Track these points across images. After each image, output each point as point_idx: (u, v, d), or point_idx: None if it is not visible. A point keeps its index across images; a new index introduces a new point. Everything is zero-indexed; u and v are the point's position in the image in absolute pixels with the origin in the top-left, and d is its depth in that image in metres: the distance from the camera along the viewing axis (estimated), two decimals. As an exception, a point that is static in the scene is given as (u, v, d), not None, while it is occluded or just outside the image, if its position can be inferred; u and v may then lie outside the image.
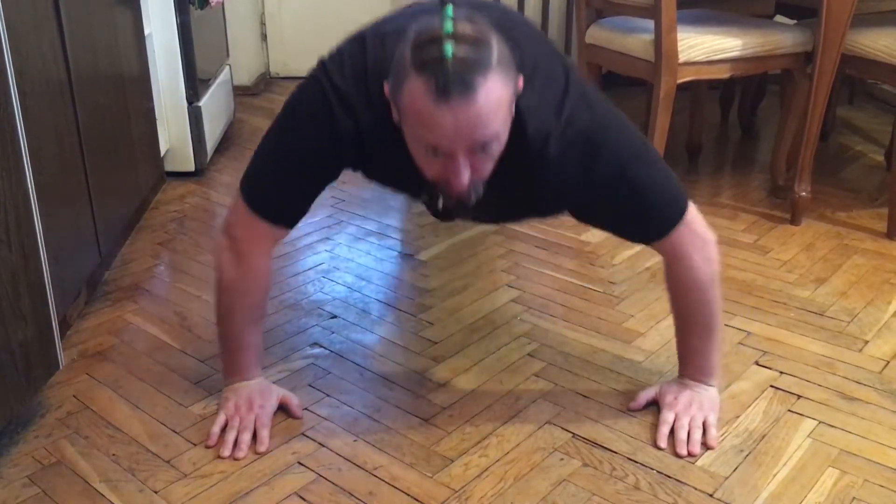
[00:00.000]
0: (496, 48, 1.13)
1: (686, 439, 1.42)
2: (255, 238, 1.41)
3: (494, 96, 1.12)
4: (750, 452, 1.41)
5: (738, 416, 1.50)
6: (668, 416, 1.46)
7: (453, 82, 1.08)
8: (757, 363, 1.67)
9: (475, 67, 1.09)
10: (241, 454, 1.40)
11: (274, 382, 1.56)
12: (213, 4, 2.68)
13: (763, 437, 1.45)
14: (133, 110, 2.21)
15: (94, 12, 1.92)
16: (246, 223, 1.40)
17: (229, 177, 2.68)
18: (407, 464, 1.39)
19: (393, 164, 1.32)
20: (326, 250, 2.17)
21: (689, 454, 1.40)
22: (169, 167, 2.63)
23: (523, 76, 1.21)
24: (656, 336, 1.76)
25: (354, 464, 1.39)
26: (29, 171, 1.41)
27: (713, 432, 1.44)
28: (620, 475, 1.36)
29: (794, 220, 2.31)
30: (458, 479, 1.36)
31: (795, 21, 2.65)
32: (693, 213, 1.39)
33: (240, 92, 3.50)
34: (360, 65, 1.28)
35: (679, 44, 2.20)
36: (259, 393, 1.49)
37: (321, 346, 1.74)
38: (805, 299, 1.91)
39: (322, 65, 1.31)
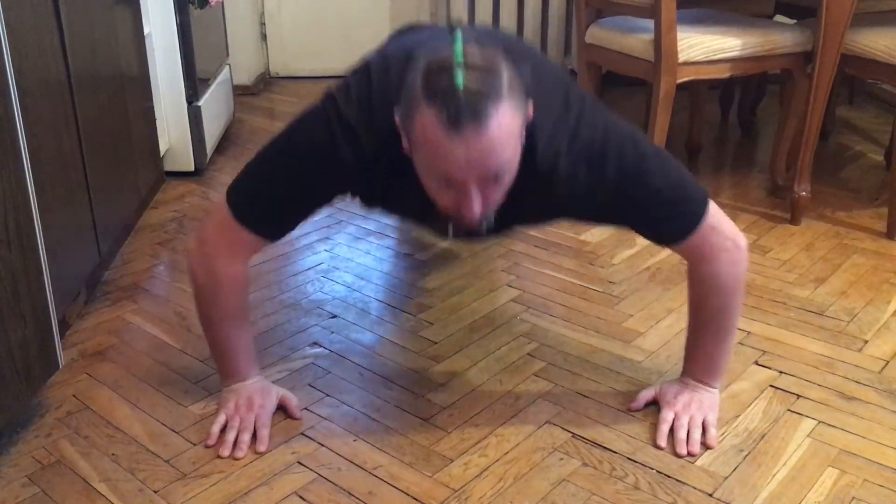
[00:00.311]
0: (506, 76, 1.12)
1: (686, 439, 1.42)
2: (232, 246, 1.39)
3: (506, 126, 1.11)
4: (749, 452, 1.41)
5: (737, 416, 1.50)
6: (667, 415, 1.46)
7: (465, 113, 1.08)
8: (756, 363, 1.67)
9: (487, 97, 1.09)
10: (240, 454, 1.40)
11: (274, 382, 1.56)
12: (212, 4, 2.68)
13: (763, 436, 1.45)
14: (133, 110, 2.21)
15: (94, 12, 1.92)
16: (227, 231, 1.38)
17: (229, 176, 2.67)
18: (406, 463, 1.39)
19: (399, 192, 1.32)
20: (326, 250, 2.17)
21: (689, 454, 1.40)
22: (168, 167, 2.63)
23: (533, 86, 1.20)
24: (656, 336, 1.76)
25: (354, 463, 1.39)
26: (28, 171, 1.41)
27: (713, 432, 1.44)
28: (620, 475, 1.36)
29: (793, 220, 2.31)
30: (457, 478, 1.36)
31: (795, 21, 2.65)
32: (716, 215, 1.36)
33: (239, 92, 3.50)
34: (366, 94, 1.27)
35: (679, 43, 2.20)
36: (258, 392, 1.49)
37: (321, 346, 1.74)
38: (805, 299, 1.91)
39: (329, 94, 1.31)
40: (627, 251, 2.15)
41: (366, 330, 1.80)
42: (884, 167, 2.72)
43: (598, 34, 2.50)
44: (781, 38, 2.28)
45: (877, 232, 2.25)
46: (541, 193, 1.29)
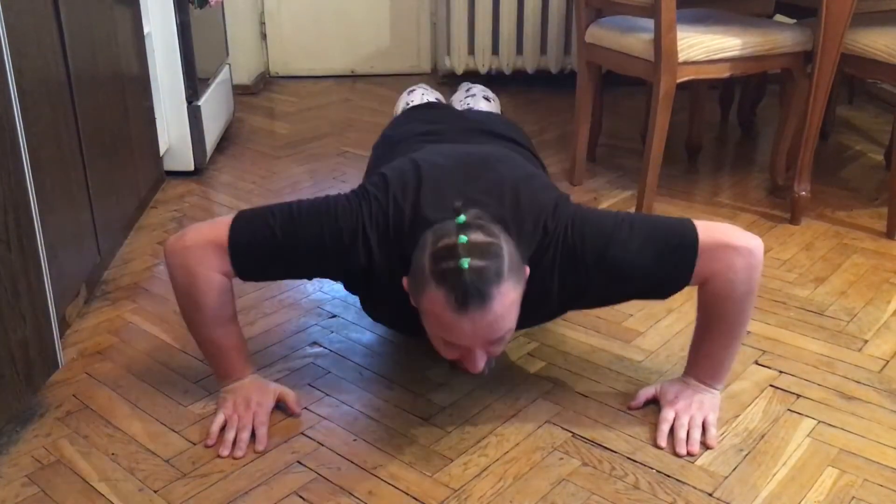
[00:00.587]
0: (506, 253, 1.24)
1: (685, 438, 1.42)
2: (212, 259, 1.39)
3: (507, 301, 1.23)
4: (749, 452, 1.41)
5: (737, 416, 1.50)
6: (668, 415, 1.46)
7: (471, 296, 1.19)
8: (756, 362, 1.67)
9: (490, 279, 1.20)
10: (240, 453, 1.40)
11: (273, 382, 1.55)
12: (212, 4, 2.68)
13: (762, 436, 1.45)
14: (132, 109, 2.21)
15: (94, 11, 1.92)
16: (215, 248, 1.39)
17: (229, 176, 2.68)
18: (406, 463, 1.39)
19: (395, 311, 1.44)
20: (326, 249, 2.17)
21: (689, 453, 1.40)
22: (168, 166, 2.63)
23: (528, 222, 1.34)
24: (656, 335, 1.76)
25: (354, 463, 1.39)
26: (28, 171, 1.41)
27: (713, 432, 1.44)
28: (620, 474, 1.36)
29: (793, 220, 2.31)
30: (457, 478, 1.36)
31: (795, 20, 2.65)
32: (710, 232, 1.38)
33: (239, 91, 3.50)
34: (385, 219, 1.37)
35: (679, 43, 2.20)
36: (256, 391, 1.49)
37: (321, 346, 1.74)
38: (804, 299, 1.91)
39: (359, 202, 1.38)
40: (627, 251, 2.15)
41: (366, 330, 1.80)
42: (883, 167, 2.72)
43: (597, 34, 2.50)
44: (781, 37, 2.28)
45: (877, 232, 2.25)
46: (538, 307, 1.40)
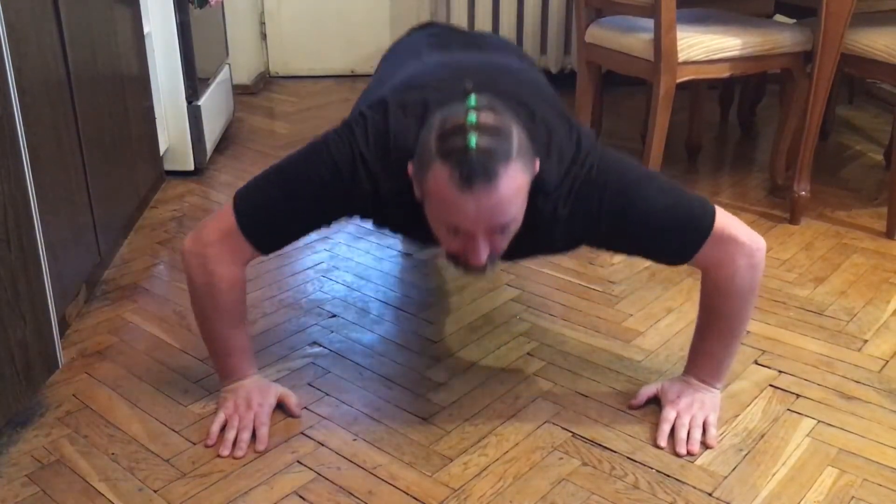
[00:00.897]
0: (516, 137, 1.20)
1: (685, 438, 1.42)
2: (232, 251, 1.40)
3: (514, 184, 1.19)
4: (749, 452, 1.41)
5: (737, 416, 1.50)
6: (669, 415, 1.46)
7: (477, 172, 1.15)
8: (756, 362, 1.67)
9: (497, 157, 1.16)
10: (240, 453, 1.40)
11: (273, 381, 1.56)
12: (212, 3, 2.68)
13: (762, 436, 1.45)
14: (132, 109, 2.21)
15: (94, 11, 1.92)
16: (228, 236, 1.39)
17: (228, 176, 2.68)
18: (406, 463, 1.39)
19: (408, 225, 1.40)
20: (326, 249, 2.17)
21: (689, 453, 1.40)
22: (168, 166, 2.63)
23: (538, 140, 1.28)
24: (655, 335, 1.76)
25: (354, 463, 1.39)
26: (28, 170, 1.41)
27: (713, 432, 1.44)
28: (620, 474, 1.36)
29: (793, 220, 2.31)
30: (457, 478, 1.36)
31: (795, 20, 2.66)
32: (728, 225, 1.37)
33: (239, 91, 3.49)
34: (384, 135, 1.32)
35: (678, 43, 2.20)
36: (257, 391, 1.49)
37: (320, 346, 1.74)
38: (804, 298, 1.91)
39: (348, 128, 1.35)
40: (627, 251, 2.15)
41: (365, 329, 1.80)
42: (883, 167, 2.72)
43: (597, 33, 2.50)
44: (781, 37, 2.28)
45: (876, 231, 2.25)
46: (543, 234, 1.35)
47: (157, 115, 2.46)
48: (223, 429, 1.45)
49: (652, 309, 1.86)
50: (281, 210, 1.37)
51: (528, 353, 1.70)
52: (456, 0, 3.53)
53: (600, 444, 1.43)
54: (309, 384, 1.60)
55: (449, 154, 1.17)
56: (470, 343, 1.74)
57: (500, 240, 1.25)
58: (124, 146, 2.14)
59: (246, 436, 1.43)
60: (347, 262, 2.10)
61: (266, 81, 3.80)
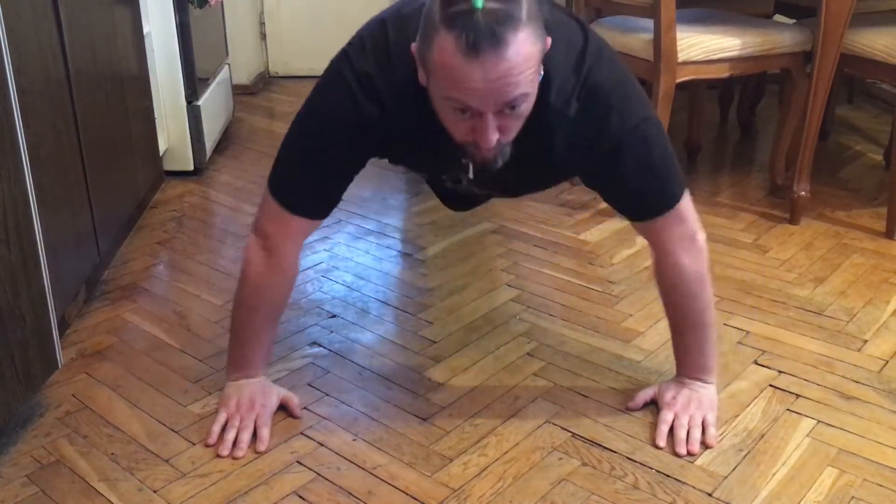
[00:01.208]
0: (526, 3, 1.11)
1: (685, 438, 1.42)
2: (288, 233, 1.41)
3: (524, 52, 1.10)
4: (749, 452, 1.41)
5: (737, 416, 1.50)
6: (667, 416, 1.46)
7: (484, 36, 1.07)
8: (756, 362, 1.67)
9: (506, 21, 1.08)
10: (240, 453, 1.40)
11: (273, 382, 1.56)
12: (212, 3, 2.68)
13: (762, 436, 1.45)
14: (132, 109, 2.21)
15: (93, 11, 1.92)
16: (278, 219, 1.40)
17: (228, 176, 2.68)
18: (406, 463, 1.39)
19: (420, 140, 1.32)
20: (325, 249, 2.17)
21: (688, 453, 1.40)
22: (168, 166, 2.63)
23: (546, 23, 1.19)
24: (655, 335, 1.76)
25: (353, 463, 1.39)
26: (28, 170, 1.41)
27: (712, 431, 1.44)
28: (619, 474, 1.36)
29: (793, 220, 2.31)
30: (457, 478, 1.36)
31: (794, 20, 2.65)
32: (688, 207, 1.39)
33: (239, 91, 3.49)
34: (383, 46, 1.28)
35: (678, 43, 2.20)
36: (260, 392, 1.49)
37: (320, 346, 1.74)
38: (804, 298, 1.91)
39: (344, 53, 1.32)
40: (627, 251, 2.15)
41: (365, 329, 1.80)
42: (883, 167, 2.72)
43: (597, 33, 2.50)
44: (781, 37, 2.28)
45: (876, 231, 2.25)
46: (547, 132, 1.29)
47: (156, 116, 2.46)
48: (224, 428, 1.45)
49: (651, 309, 1.86)
50: (311, 171, 1.36)
51: (528, 353, 1.70)
52: (456, 0, 3.53)
53: (600, 445, 1.43)
54: (309, 384, 1.60)
55: (453, 19, 1.08)
56: (470, 343, 1.74)
57: (510, 120, 1.17)
58: (124, 146, 2.14)
59: (246, 436, 1.43)
60: (347, 262, 2.10)
61: (266, 81, 3.80)
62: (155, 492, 1.33)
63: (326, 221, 2.31)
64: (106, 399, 1.56)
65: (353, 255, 2.14)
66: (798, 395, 1.56)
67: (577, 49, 1.29)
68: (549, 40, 1.18)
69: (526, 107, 1.18)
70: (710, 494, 1.32)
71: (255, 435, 1.44)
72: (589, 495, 1.32)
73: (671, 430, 1.44)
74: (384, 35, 1.29)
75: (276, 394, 1.51)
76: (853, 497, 1.31)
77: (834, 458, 1.40)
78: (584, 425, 1.48)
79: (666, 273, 1.44)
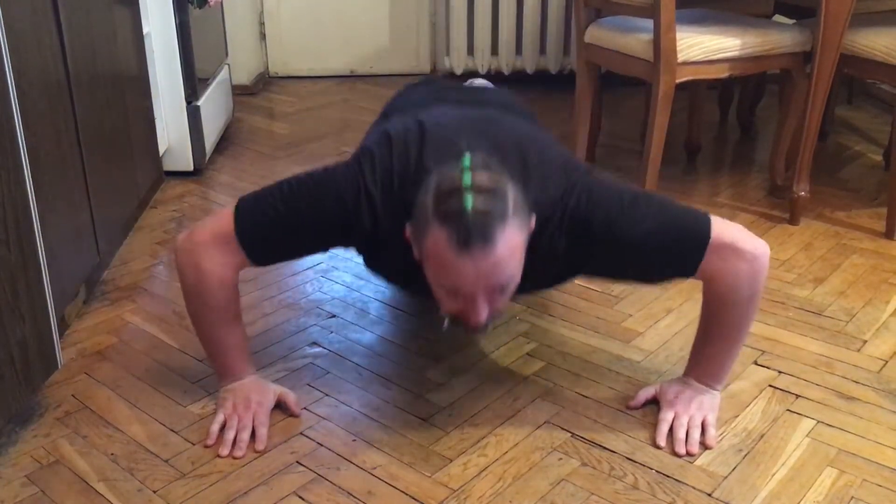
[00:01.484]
0: (511, 196, 1.21)
1: (684, 438, 1.43)
2: (222, 254, 1.40)
3: (511, 244, 1.20)
4: (748, 452, 1.41)
5: (736, 416, 1.51)
6: (667, 415, 1.46)
7: (474, 235, 1.17)
8: (756, 363, 1.67)
9: (494, 219, 1.18)
10: (239, 453, 1.40)
11: (273, 382, 1.55)
12: (211, 4, 2.68)
13: (762, 436, 1.45)
14: (132, 110, 2.21)
15: (93, 11, 1.92)
16: (223, 240, 1.39)
17: (228, 176, 2.68)
18: (406, 463, 1.39)
19: (401, 272, 1.42)
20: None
21: (688, 453, 1.40)
22: (167, 166, 2.63)
23: (535, 180, 1.31)
24: (655, 336, 1.76)
25: (353, 463, 1.39)
26: (27, 170, 1.41)
27: (712, 432, 1.44)
28: (619, 474, 1.36)
29: (792, 220, 2.31)
30: (456, 478, 1.36)
31: (794, 21, 2.66)
32: (723, 229, 1.36)
33: (238, 91, 3.49)
34: (388, 173, 1.34)
35: (678, 43, 2.20)
36: (256, 390, 1.49)
37: (320, 346, 1.74)
38: (804, 299, 1.91)
39: (358, 162, 1.37)
40: (626, 251, 2.15)
41: (365, 330, 1.80)
42: (882, 167, 2.72)
43: (597, 34, 2.50)
44: (780, 37, 2.28)
45: (876, 232, 2.25)
46: (542, 272, 1.38)
47: (156, 116, 2.46)
48: (222, 429, 1.45)
49: (651, 309, 1.86)
50: (281, 228, 1.38)
51: (527, 354, 1.70)
52: (456, 0, 3.53)
53: (600, 445, 1.43)
54: (308, 384, 1.60)
55: (446, 217, 1.18)
56: (469, 343, 1.74)
57: (499, 299, 1.27)
58: (124, 146, 2.14)
59: (245, 436, 1.43)
60: (347, 263, 2.10)
61: (265, 82, 3.80)
62: (154, 492, 1.33)
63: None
64: (105, 399, 1.56)
65: (352, 256, 2.14)
66: (798, 396, 1.56)
67: (558, 195, 1.34)
68: (534, 220, 1.29)
69: (514, 286, 1.27)
70: (709, 495, 1.32)
71: (253, 434, 1.44)
72: (589, 495, 1.32)
73: (671, 430, 1.44)
74: (389, 160, 1.35)
75: (272, 390, 1.51)
76: (853, 497, 1.31)
77: (834, 458, 1.40)
78: (583, 425, 1.48)
79: (719, 293, 1.39)
